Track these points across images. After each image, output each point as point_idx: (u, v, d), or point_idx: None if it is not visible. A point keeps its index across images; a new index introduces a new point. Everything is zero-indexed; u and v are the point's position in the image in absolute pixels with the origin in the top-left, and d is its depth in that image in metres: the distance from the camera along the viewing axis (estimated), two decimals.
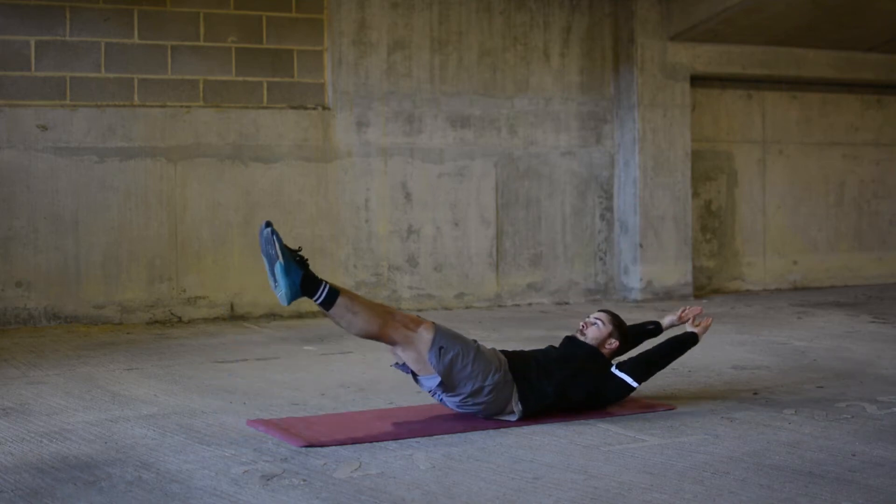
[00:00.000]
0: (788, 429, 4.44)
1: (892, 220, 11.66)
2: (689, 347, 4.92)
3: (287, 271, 4.26)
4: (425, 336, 4.40)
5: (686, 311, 5.19)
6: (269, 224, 4.30)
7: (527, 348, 4.94)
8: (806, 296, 10.26)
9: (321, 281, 4.33)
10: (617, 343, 4.83)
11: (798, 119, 11.14)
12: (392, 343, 4.43)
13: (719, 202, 10.76)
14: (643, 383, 4.79)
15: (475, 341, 4.58)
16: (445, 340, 4.41)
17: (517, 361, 4.62)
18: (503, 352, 4.70)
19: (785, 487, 3.55)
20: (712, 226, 10.72)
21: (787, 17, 9.88)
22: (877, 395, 5.19)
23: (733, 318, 8.56)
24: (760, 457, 3.97)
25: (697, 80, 10.42)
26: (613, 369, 4.72)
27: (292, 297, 4.30)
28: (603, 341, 4.80)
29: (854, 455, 3.99)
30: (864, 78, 11.05)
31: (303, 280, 4.28)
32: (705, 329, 5.01)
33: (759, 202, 10.96)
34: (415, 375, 4.50)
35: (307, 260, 4.39)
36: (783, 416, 4.69)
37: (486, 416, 4.55)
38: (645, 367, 4.75)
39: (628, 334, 4.94)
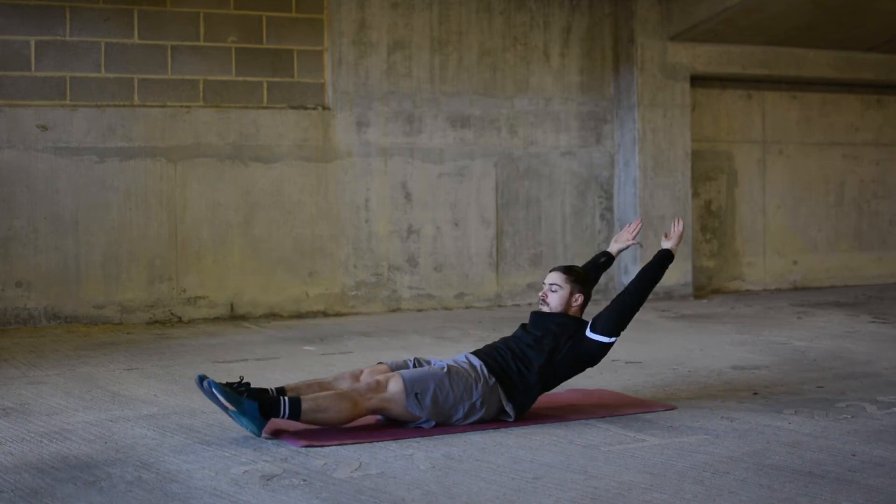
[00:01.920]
0: (788, 429, 4.44)
1: (892, 220, 11.66)
2: (666, 267, 4.77)
3: (242, 413, 4.21)
4: (395, 390, 4.35)
5: (631, 228, 5.07)
6: (202, 378, 4.21)
7: (498, 339, 4.86)
8: (806, 296, 10.26)
9: (278, 399, 4.25)
10: (581, 297, 4.73)
11: (798, 119, 11.14)
12: (373, 413, 4.40)
13: (719, 202, 10.76)
14: (623, 331, 4.68)
15: (444, 366, 4.51)
16: (416, 385, 4.37)
17: (493, 361, 4.58)
18: (476, 353, 4.66)
19: (785, 487, 3.55)
20: (712, 226, 10.73)
21: (787, 17, 9.88)
22: (877, 395, 5.19)
23: (733, 318, 8.56)
24: (760, 457, 3.96)
25: (697, 80, 10.42)
26: (587, 332, 4.63)
27: (261, 427, 4.26)
28: (567, 302, 4.71)
29: (854, 455, 3.99)
30: (864, 78, 11.05)
31: (260, 410, 4.21)
32: (679, 238, 4.83)
33: (759, 202, 10.96)
34: (408, 423, 4.46)
35: (249, 384, 4.28)
36: (783, 416, 4.69)
37: (488, 422, 4.55)
38: (617, 319, 4.63)
39: (587, 279, 4.81)
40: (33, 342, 7.33)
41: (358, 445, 4.17)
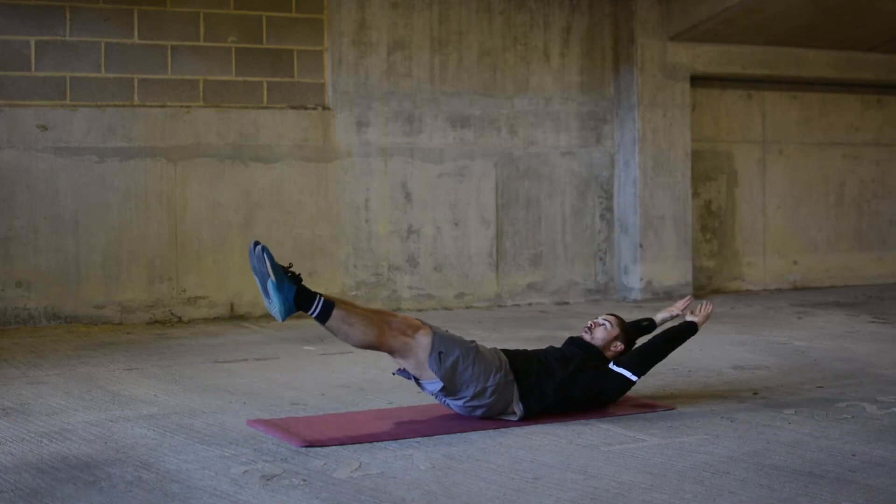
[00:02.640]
0: (788, 429, 4.44)
1: (892, 220, 11.66)
2: (688, 337, 4.90)
3: (279, 288, 4.24)
4: (423, 342, 4.38)
5: (679, 304, 5.23)
6: (258, 243, 4.28)
7: (529, 348, 4.95)
8: (806, 296, 10.26)
9: (315, 294, 4.31)
10: (622, 346, 4.85)
11: (798, 119, 11.14)
12: (391, 351, 4.41)
13: (719, 202, 10.76)
14: (642, 377, 4.79)
15: (474, 342, 4.57)
16: (444, 345, 4.40)
17: (518, 361, 4.62)
18: (504, 351, 4.70)
19: (785, 487, 3.55)
20: (712, 226, 10.73)
21: (787, 17, 9.88)
22: (877, 395, 5.19)
23: (733, 318, 8.56)
24: (760, 457, 3.97)
25: (697, 80, 10.42)
26: (612, 365, 4.73)
27: (286, 312, 4.28)
28: (609, 343, 4.82)
29: (854, 455, 3.99)
30: (864, 78, 11.05)
31: (296, 295, 4.26)
32: (706, 317, 5.00)
33: (759, 202, 10.96)
34: (417, 380, 4.50)
35: (299, 275, 4.36)
36: (783, 416, 4.69)
37: (488, 417, 4.56)
38: (643, 361, 4.73)
39: (635, 340, 4.97)
40: (33, 342, 7.33)
41: (358, 445, 4.18)
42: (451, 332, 4.63)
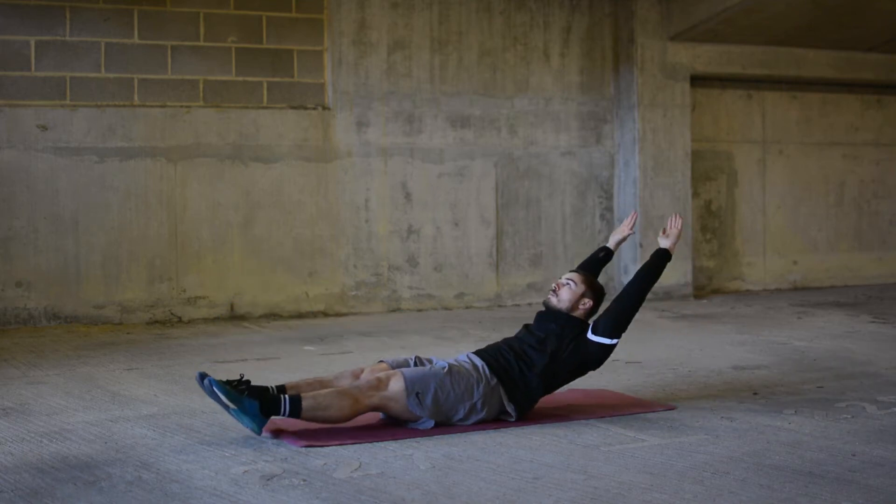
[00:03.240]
0: (788, 429, 4.44)
1: (892, 220, 11.66)
2: (664, 266, 4.79)
3: (244, 411, 4.20)
4: (397, 389, 4.34)
5: (627, 223, 5.14)
6: (204, 375, 4.20)
7: (500, 339, 4.88)
8: (806, 296, 10.26)
9: (278, 397, 4.23)
10: (591, 302, 4.76)
11: (798, 119, 11.14)
12: (374, 411, 4.40)
13: (719, 202, 10.76)
14: (624, 332, 4.70)
15: (445, 365, 4.51)
16: (418, 384, 4.37)
17: (494, 361, 4.58)
18: (478, 353, 4.66)
19: (785, 487, 3.55)
20: (712, 226, 10.72)
21: (787, 17, 9.87)
22: (877, 395, 5.19)
23: (733, 318, 8.56)
24: (760, 457, 3.96)
25: (697, 80, 10.42)
26: (589, 335, 4.65)
27: (261, 425, 4.24)
28: (576, 302, 4.73)
29: (854, 455, 3.99)
30: (864, 78, 11.05)
31: (261, 408, 4.20)
32: (677, 237, 4.86)
33: (759, 202, 10.96)
34: (409, 424, 4.45)
35: (250, 382, 4.27)
36: (783, 416, 4.69)
37: (488, 421, 4.55)
38: (619, 321, 4.65)
39: (603, 293, 4.83)
40: (33, 342, 7.33)
41: (358, 445, 4.17)
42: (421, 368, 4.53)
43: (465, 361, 4.60)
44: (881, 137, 11.55)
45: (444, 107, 9.47)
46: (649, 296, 4.90)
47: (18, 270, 8.15)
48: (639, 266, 9.76)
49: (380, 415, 4.53)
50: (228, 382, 4.24)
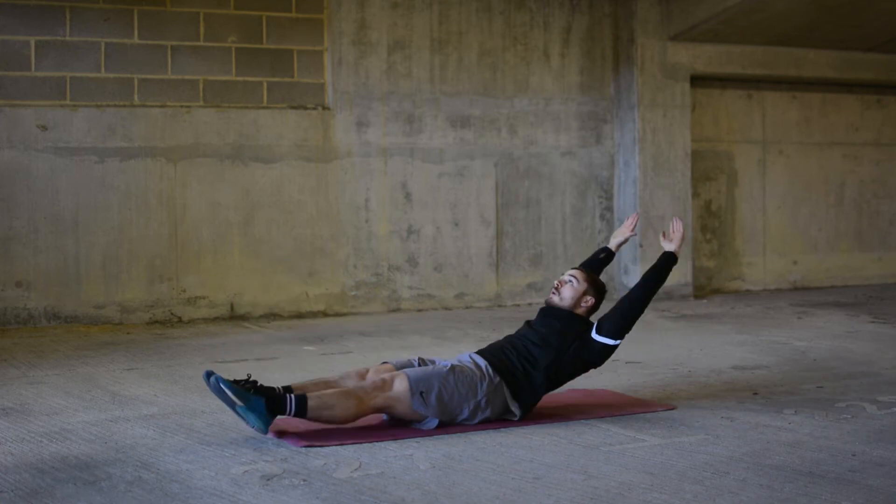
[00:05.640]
0: (788, 429, 4.44)
1: (892, 220, 11.66)
2: (670, 269, 4.82)
3: (251, 409, 4.19)
4: (401, 389, 4.35)
5: (628, 224, 5.15)
6: (210, 374, 4.20)
7: (501, 337, 4.89)
8: (806, 296, 10.26)
9: (284, 396, 4.24)
10: (593, 300, 4.78)
11: (798, 119, 11.14)
12: (378, 412, 4.40)
13: (719, 202, 10.76)
14: (628, 334, 4.70)
15: (448, 364, 4.52)
16: (421, 383, 4.37)
17: (497, 360, 4.59)
18: (480, 353, 4.67)
19: (785, 487, 3.55)
20: (712, 226, 10.73)
21: (787, 17, 9.88)
22: (877, 395, 5.19)
23: (733, 318, 8.56)
24: (760, 457, 3.97)
25: (697, 80, 10.42)
26: (593, 334, 4.66)
27: (267, 423, 4.24)
28: (578, 299, 4.75)
29: (854, 455, 3.99)
30: (864, 78, 11.05)
31: (267, 406, 4.21)
32: (681, 239, 4.89)
33: (759, 202, 10.96)
34: (413, 424, 4.45)
35: (256, 382, 4.28)
36: (783, 416, 4.69)
37: (493, 420, 4.55)
38: (622, 322, 4.66)
39: (604, 290, 4.85)
40: (33, 342, 7.33)
41: (358, 445, 4.18)
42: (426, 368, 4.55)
43: (468, 361, 4.61)
44: (881, 137, 11.55)
45: (444, 107, 9.47)
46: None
47: (18, 270, 8.15)
48: (639, 266, 9.82)
49: (383, 416, 4.53)
50: (236, 381, 4.25)
